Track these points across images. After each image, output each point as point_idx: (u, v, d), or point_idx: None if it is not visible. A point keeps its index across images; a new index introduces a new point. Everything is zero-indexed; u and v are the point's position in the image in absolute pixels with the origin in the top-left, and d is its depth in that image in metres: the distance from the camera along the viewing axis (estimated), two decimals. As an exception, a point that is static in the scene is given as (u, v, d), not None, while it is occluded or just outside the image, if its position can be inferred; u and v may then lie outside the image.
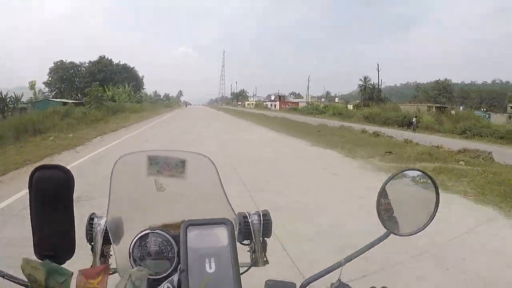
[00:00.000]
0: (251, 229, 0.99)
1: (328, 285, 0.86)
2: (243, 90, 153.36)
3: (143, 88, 75.60)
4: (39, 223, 0.82)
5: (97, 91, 32.03)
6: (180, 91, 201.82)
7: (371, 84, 79.93)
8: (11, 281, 0.80)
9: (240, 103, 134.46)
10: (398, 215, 0.92)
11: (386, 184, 0.92)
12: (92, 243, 0.95)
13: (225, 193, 0.98)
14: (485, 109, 68.39)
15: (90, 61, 70.43)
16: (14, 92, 27.15)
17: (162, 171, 0.97)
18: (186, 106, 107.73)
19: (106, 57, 70.41)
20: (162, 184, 0.99)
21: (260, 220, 1.00)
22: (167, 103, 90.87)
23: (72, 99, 50.55)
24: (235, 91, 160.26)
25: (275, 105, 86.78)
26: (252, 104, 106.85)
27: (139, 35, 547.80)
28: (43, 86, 67.78)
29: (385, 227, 0.91)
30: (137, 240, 0.92)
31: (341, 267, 0.89)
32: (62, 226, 0.83)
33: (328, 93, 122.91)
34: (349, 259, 0.90)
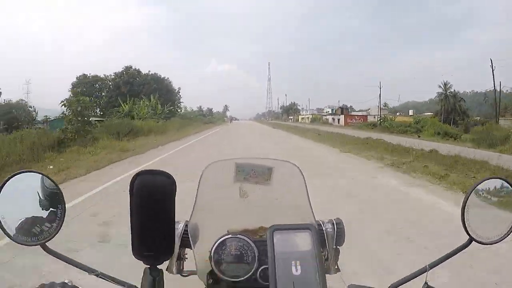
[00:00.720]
0: (325, 237, 1.00)
1: None
2: (294, 103, 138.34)
3: (179, 102, 63.16)
4: (140, 225, 0.83)
5: (78, 102, 18.93)
6: (225, 105, 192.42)
7: (451, 92, 63.52)
8: (106, 280, 0.84)
9: (291, 117, 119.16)
10: (481, 223, 0.93)
11: (471, 193, 0.93)
12: None
13: (309, 201, 1.00)
14: None
15: (115, 72, 58.87)
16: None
17: (249, 178, 1.02)
18: (231, 122, 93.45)
19: (133, 67, 58.65)
20: (246, 191, 1.03)
21: (334, 228, 1.01)
22: (209, 118, 77.35)
23: (97, 116, 39.00)
24: (284, 104, 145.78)
25: (338, 119, 70.42)
26: (307, 118, 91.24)
27: (181, 53, 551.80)
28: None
29: (468, 235, 0.92)
30: (218, 244, 0.95)
31: (426, 273, 0.90)
32: (162, 229, 0.84)
33: (385, 104, 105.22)
34: (433, 265, 0.91)
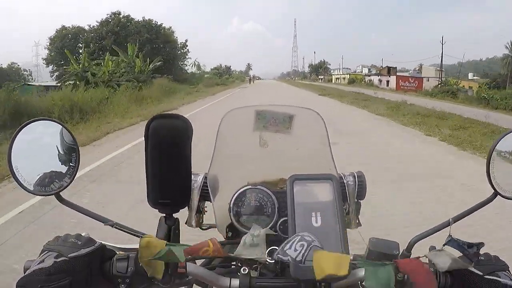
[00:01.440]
0: (346, 190, 0.98)
1: (427, 247, 0.80)
2: (324, 61, 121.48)
3: (185, 58, 49.65)
4: (155, 172, 0.81)
5: None
6: (248, 64, 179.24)
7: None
8: (122, 230, 0.82)
9: (322, 77, 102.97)
10: (507, 177, 0.86)
11: (496, 145, 0.86)
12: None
13: (330, 150, 0.98)
14: None
15: (98, 21, 44.78)
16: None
17: (269, 126, 0.99)
18: (252, 82, 71.10)
19: (122, 14, 44.50)
20: (266, 140, 1.00)
21: (355, 181, 0.99)
22: (223, 79, 62.39)
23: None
24: (313, 63, 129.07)
25: (387, 81, 54.10)
26: (344, 79, 74.40)
27: (204, 9, 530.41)
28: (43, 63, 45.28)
29: (493, 188, 0.85)
30: (237, 195, 0.94)
31: (449, 226, 0.84)
32: (178, 176, 0.82)
33: (421, 66, 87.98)
34: (456, 218, 0.86)
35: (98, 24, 43.81)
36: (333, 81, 78.73)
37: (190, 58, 51.49)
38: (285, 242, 0.69)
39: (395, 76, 52.36)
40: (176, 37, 47.12)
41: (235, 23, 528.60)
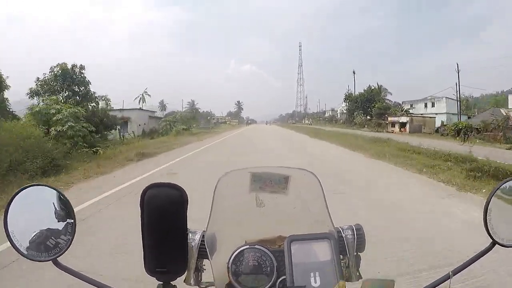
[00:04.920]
0: (345, 244, 0.97)
1: None
2: (380, 87, 62.07)
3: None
4: (151, 240, 0.82)
5: None
6: (238, 102, 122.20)
7: None
8: None
9: (406, 120, 43.27)
10: (504, 226, 0.90)
11: (492, 195, 0.90)
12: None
13: (327, 209, 0.98)
14: None
15: None
16: None
17: (265, 187, 1.00)
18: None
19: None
20: (263, 200, 1.00)
21: (354, 235, 0.98)
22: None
23: None
24: (351, 92, 69.02)
25: None
26: None
27: (200, 53, 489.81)
28: None
29: (491, 238, 0.89)
30: (236, 255, 0.92)
31: (449, 279, 0.88)
32: (175, 244, 0.84)
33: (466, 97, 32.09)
34: (456, 271, 0.89)
35: None
36: None
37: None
38: None
39: None
40: None
41: (231, 65, 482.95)
